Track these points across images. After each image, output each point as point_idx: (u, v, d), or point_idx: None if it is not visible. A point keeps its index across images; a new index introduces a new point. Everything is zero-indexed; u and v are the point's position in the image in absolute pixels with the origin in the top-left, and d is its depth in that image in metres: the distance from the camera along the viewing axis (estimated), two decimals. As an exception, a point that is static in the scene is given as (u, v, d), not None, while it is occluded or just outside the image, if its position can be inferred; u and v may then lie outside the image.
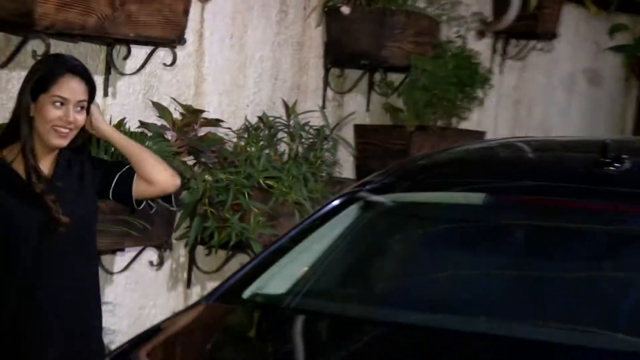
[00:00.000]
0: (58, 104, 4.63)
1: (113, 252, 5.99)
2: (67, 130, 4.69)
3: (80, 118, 4.72)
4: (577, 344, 3.89)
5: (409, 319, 4.17)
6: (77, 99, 4.67)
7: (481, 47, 9.83)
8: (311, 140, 7.64)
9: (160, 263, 6.81)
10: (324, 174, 7.51)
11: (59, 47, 5.68)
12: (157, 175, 5.00)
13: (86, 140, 5.03)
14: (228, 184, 6.77)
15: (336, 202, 4.80)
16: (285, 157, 7.38)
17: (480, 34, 9.83)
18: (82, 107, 4.73)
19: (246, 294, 4.34)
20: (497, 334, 3.99)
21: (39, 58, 5.16)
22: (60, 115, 4.64)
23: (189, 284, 7.18)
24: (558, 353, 3.87)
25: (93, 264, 5.01)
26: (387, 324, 4.20)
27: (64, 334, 4.77)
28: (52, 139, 4.68)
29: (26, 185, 4.66)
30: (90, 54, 6.33)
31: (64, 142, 4.73)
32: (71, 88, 4.68)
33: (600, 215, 4.55)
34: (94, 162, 5.10)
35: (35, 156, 4.68)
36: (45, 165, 4.75)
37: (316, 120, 7.94)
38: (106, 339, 5.99)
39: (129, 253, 6.52)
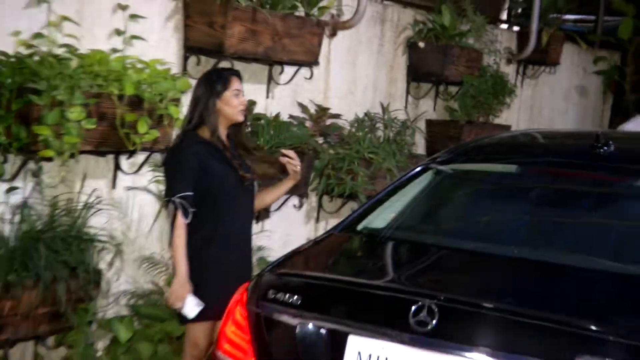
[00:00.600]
0: (237, 94, 4.73)
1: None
2: (244, 109, 4.84)
3: None
4: (576, 265, 3.83)
5: (462, 246, 4.11)
6: (242, 89, 4.79)
7: (509, 70, 9.71)
8: (398, 129, 7.70)
9: (300, 206, 6.97)
10: (406, 151, 7.52)
11: (238, 66, 5.68)
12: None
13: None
14: (344, 156, 6.82)
15: (416, 170, 4.72)
16: (381, 139, 7.41)
17: (509, 61, 9.66)
18: None
19: (359, 227, 4.33)
20: (527, 258, 3.92)
21: (204, 74, 5.06)
22: (241, 100, 4.76)
23: (317, 220, 7.25)
24: (564, 271, 3.79)
25: (254, 206, 5.04)
26: (448, 248, 4.13)
27: (240, 244, 4.88)
28: (239, 117, 4.75)
29: (221, 154, 4.70)
30: (257, 71, 6.42)
31: (243, 118, 4.84)
32: (238, 83, 4.76)
33: (594, 181, 4.47)
34: None
35: (220, 136, 4.73)
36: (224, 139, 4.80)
37: (401, 116, 7.96)
38: (265, 253, 6.17)
39: (282, 199, 6.48)
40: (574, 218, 4.41)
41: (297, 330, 3.59)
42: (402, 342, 3.38)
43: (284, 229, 6.65)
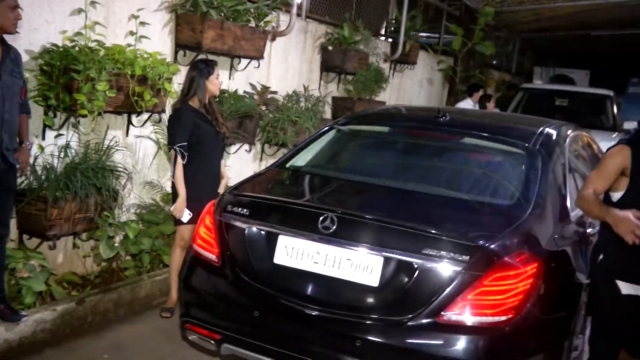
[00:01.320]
0: (217, 77, 4.67)
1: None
2: (220, 87, 4.83)
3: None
4: (422, 191, 3.82)
5: (353, 178, 4.06)
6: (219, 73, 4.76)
7: (385, 66, 9.53)
8: (314, 102, 7.52)
9: (249, 151, 6.80)
10: (319, 117, 7.37)
11: (212, 57, 5.40)
12: None
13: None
14: (279, 119, 6.69)
15: (324, 129, 4.64)
16: (303, 108, 7.22)
17: (385, 61, 9.54)
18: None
19: (288, 165, 4.27)
20: (394, 186, 3.90)
21: (194, 61, 5.11)
22: (219, 81, 4.75)
23: (261, 160, 7.03)
24: (415, 195, 3.79)
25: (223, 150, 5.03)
26: (344, 180, 4.07)
27: (214, 178, 4.82)
28: (217, 92, 4.77)
29: (205, 117, 4.65)
30: (224, 62, 6.18)
31: (218, 92, 4.85)
32: (217, 69, 4.70)
33: (435, 138, 4.41)
34: None
35: (206, 104, 4.70)
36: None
37: (316, 94, 7.82)
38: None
39: (237, 146, 6.51)
40: (423, 161, 4.38)
41: (246, 232, 3.55)
42: (314, 240, 3.37)
43: (238, 165, 6.54)
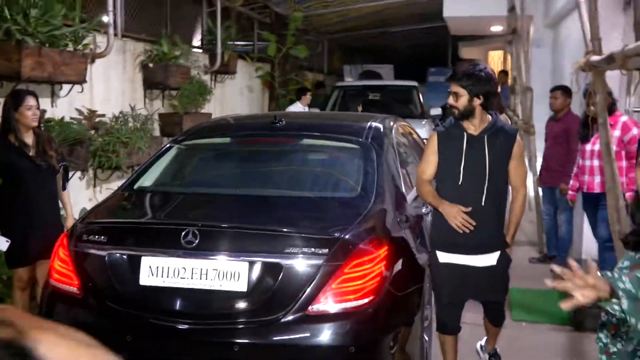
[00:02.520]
0: (29, 108, 4.39)
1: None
2: (37, 118, 4.49)
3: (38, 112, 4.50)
4: (268, 195, 3.95)
5: (201, 191, 4.18)
6: (35, 104, 4.42)
7: (206, 78, 9.64)
8: (142, 120, 7.36)
9: (82, 177, 6.61)
10: (149, 135, 7.29)
11: (33, 86, 5.30)
12: None
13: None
14: (109, 141, 6.50)
15: (164, 147, 4.62)
16: (132, 128, 7.08)
17: (205, 73, 9.63)
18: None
19: (135, 186, 4.18)
20: (245, 194, 4.02)
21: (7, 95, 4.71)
22: (34, 112, 4.42)
23: (95, 186, 6.81)
24: (261, 199, 3.90)
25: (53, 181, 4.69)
26: (194, 194, 4.16)
27: (43, 214, 4.52)
28: (31, 123, 4.41)
29: (22, 150, 4.42)
30: (43, 90, 5.95)
31: (36, 124, 4.51)
32: (32, 100, 4.41)
33: (274, 143, 4.54)
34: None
35: (21, 138, 4.41)
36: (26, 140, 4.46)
37: (143, 112, 7.68)
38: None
39: (71, 174, 6.12)
40: (268, 166, 4.50)
41: (106, 258, 3.49)
42: (178, 256, 3.39)
43: (73, 193, 6.23)
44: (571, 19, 7.48)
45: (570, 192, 6.00)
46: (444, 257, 3.79)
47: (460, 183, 3.66)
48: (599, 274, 1.79)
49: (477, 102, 3.59)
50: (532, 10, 10.46)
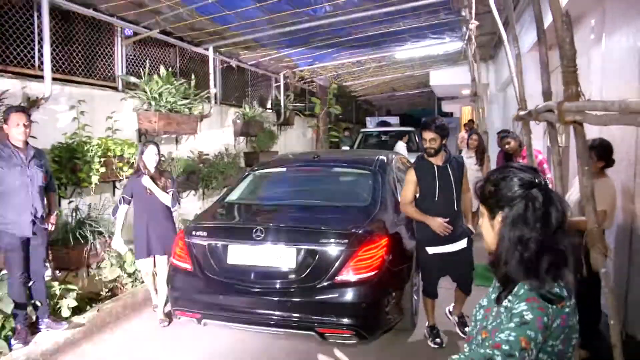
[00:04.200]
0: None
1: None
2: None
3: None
4: (311, 204, 3.85)
5: (268, 203, 4.04)
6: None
7: (275, 128, 9.60)
8: (233, 156, 7.47)
9: (195, 194, 6.56)
10: (237, 166, 7.34)
11: (165, 139, 5.37)
12: None
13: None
14: (212, 171, 6.55)
15: (245, 174, 4.55)
16: (227, 162, 7.16)
17: (274, 125, 9.50)
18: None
19: (226, 200, 4.15)
20: (294, 204, 3.90)
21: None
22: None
23: (203, 199, 6.74)
24: (307, 206, 3.81)
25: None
26: (263, 204, 4.04)
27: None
28: (153, 165, 4.04)
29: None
30: (171, 140, 6.02)
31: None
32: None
33: (316, 171, 4.41)
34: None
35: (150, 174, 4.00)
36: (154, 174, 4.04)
37: (233, 151, 7.74)
38: (185, 216, 5.88)
39: (187, 192, 6.17)
40: (307, 186, 4.38)
41: (207, 246, 3.54)
42: (251, 244, 3.43)
43: (191, 205, 6.47)
44: (511, 86, 7.37)
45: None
46: (431, 250, 3.64)
47: (436, 199, 3.57)
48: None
49: (443, 142, 3.61)
50: (488, 80, 10.40)
